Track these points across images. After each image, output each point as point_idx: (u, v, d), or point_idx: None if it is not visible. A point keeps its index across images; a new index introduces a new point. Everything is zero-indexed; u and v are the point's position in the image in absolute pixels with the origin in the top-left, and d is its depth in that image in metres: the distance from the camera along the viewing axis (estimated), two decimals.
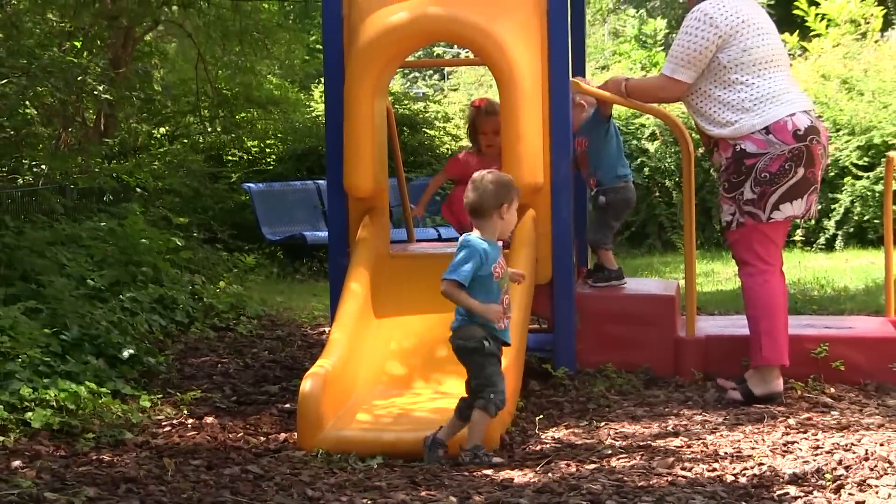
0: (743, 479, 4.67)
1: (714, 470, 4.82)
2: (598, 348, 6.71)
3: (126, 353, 6.85)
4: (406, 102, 17.14)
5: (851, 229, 14.33)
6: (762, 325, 6.18)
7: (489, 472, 4.96)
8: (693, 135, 7.71)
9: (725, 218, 6.25)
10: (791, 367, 6.19)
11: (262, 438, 5.65)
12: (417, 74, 29.83)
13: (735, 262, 6.53)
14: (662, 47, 26.32)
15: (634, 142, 15.34)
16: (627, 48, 26.04)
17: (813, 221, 14.13)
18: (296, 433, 5.48)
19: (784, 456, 5.00)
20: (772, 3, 21.16)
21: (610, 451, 5.18)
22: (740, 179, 6.17)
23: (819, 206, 6.92)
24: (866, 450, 4.99)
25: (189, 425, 5.83)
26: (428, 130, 16.47)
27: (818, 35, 17.71)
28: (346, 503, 4.44)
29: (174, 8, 13.66)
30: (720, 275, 11.72)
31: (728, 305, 9.15)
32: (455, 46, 22.11)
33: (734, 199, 6.19)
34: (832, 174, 14.31)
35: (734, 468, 4.83)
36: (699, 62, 6.23)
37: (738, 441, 5.31)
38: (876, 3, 18.09)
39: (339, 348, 5.82)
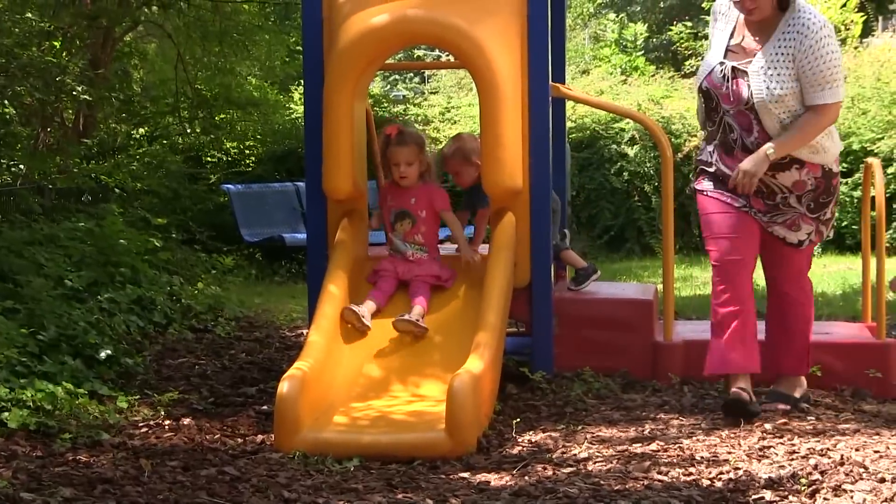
0: (719, 484, 4.68)
1: (690, 474, 4.84)
2: (575, 352, 6.71)
3: (103, 354, 6.83)
4: (386, 105, 17.14)
5: (829, 235, 14.33)
6: (810, 339, 6.19)
7: (466, 474, 4.97)
8: (673, 140, 7.71)
9: (799, 237, 6.08)
10: (768, 373, 6.19)
11: (239, 440, 5.63)
12: (398, 77, 29.83)
13: (770, 279, 6.30)
14: (642, 52, 26.40)
15: (614, 146, 15.34)
16: (608, 52, 26.11)
17: None
18: (273, 435, 5.47)
19: (760, 460, 5.02)
20: None
21: (586, 455, 5.20)
22: (828, 200, 6.07)
23: None
24: (842, 455, 5.02)
25: (166, 426, 5.81)
26: None
27: None
28: None
29: (154, 8, 13.62)
30: (698, 279, 11.74)
31: (706, 310, 9.12)
32: (436, 49, 22.10)
33: (818, 219, 6.09)
34: None
35: (710, 472, 4.84)
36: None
37: (715, 445, 5.33)
38: (856, 10, 18.19)
39: (316, 350, 5.81)
